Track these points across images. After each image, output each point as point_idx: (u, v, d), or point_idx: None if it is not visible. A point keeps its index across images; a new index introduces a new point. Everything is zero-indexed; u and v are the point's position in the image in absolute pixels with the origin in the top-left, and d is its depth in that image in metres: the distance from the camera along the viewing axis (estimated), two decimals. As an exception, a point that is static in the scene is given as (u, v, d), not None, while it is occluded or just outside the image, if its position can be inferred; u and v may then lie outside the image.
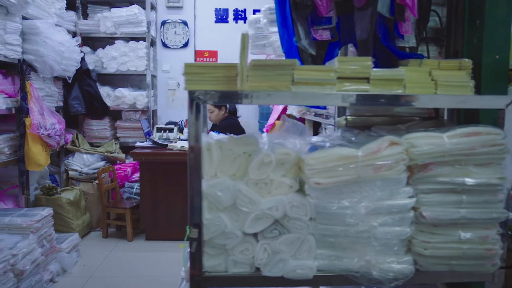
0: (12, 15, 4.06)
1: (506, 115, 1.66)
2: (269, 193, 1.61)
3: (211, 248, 1.64)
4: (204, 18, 6.77)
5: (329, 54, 2.20)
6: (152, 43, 6.40)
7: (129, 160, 5.94)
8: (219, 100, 1.54)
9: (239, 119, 5.67)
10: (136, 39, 6.09)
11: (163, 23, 6.75)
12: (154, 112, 6.61)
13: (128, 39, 6.13)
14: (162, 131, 5.70)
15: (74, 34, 5.83)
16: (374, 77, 1.63)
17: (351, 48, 2.29)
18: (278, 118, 3.99)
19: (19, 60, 4.27)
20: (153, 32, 6.34)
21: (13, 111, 4.22)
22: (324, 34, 2.11)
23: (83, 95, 5.69)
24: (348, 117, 2.20)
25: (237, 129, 5.20)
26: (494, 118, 1.93)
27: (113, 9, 6.02)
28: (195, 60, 6.79)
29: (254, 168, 1.59)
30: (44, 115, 4.46)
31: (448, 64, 1.80)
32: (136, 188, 5.46)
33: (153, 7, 6.38)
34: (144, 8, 6.08)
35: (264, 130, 4.42)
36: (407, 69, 1.69)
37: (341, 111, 2.26)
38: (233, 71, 1.57)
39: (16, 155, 4.28)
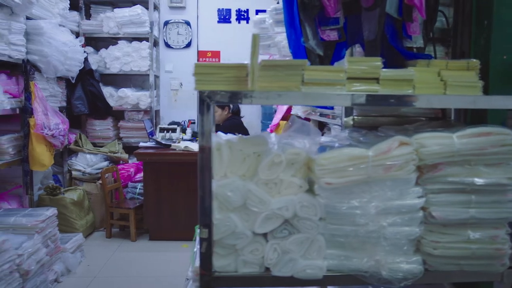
0: (16, 15, 4.07)
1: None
2: (279, 193, 1.62)
3: (221, 248, 1.64)
4: (206, 18, 6.77)
5: (336, 54, 2.20)
6: (155, 43, 6.41)
7: (132, 160, 5.94)
8: (230, 100, 1.54)
9: (242, 119, 5.69)
10: (139, 39, 6.09)
11: (166, 23, 6.75)
12: (157, 112, 6.61)
13: (131, 39, 6.14)
14: (165, 131, 5.70)
15: (77, 35, 5.84)
16: (383, 78, 1.63)
17: (358, 48, 2.29)
18: (283, 118, 4.00)
19: (23, 60, 4.27)
20: (155, 32, 6.35)
21: (17, 111, 4.22)
22: (331, 35, 2.11)
23: (86, 95, 5.70)
24: (355, 117, 2.20)
25: (241, 130, 5.21)
26: (502, 118, 1.94)
27: (116, 9, 6.03)
28: (198, 60, 6.79)
29: (264, 168, 1.59)
30: (48, 115, 4.47)
31: (456, 64, 1.80)
32: (139, 188, 5.47)
33: (155, 7, 6.38)
34: (147, 8, 6.09)
35: (268, 130, 4.42)
36: (416, 69, 1.69)
37: (348, 111, 2.26)
38: (243, 71, 1.57)
39: (20, 155, 4.29)
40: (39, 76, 4.63)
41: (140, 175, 5.65)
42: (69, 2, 5.35)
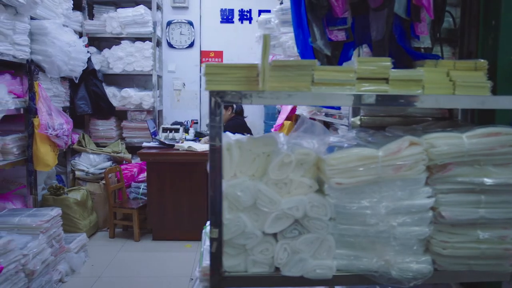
0: (21, 15, 4.08)
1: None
2: (288, 193, 1.62)
3: (231, 248, 1.64)
4: (209, 18, 6.78)
5: (344, 54, 2.20)
6: (158, 43, 6.41)
7: (135, 160, 5.95)
8: (240, 100, 1.54)
9: (245, 120, 5.69)
10: (142, 40, 6.10)
11: (169, 23, 6.76)
12: (160, 112, 6.62)
13: (133, 39, 6.15)
14: (168, 131, 5.70)
15: (80, 35, 5.84)
16: (393, 78, 1.63)
17: (365, 48, 2.30)
18: (287, 119, 4.00)
19: (27, 60, 4.28)
20: (158, 33, 6.35)
21: (22, 111, 4.23)
22: (339, 35, 2.11)
23: (89, 95, 5.70)
24: (363, 117, 2.21)
25: (244, 130, 5.22)
26: (510, 118, 1.95)
27: (119, 9, 6.03)
28: (201, 60, 6.80)
29: (274, 168, 1.59)
30: (52, 115, 4.47)
31: (463, 64, 1.80)
32: (142, 188, 5.47)
33: (158, 7, 6.38)
34: (150, 8, 6.09)
35: (272, 130, 4.42)
36: (425, 69, 1.69)
37: (355, 111, 2.26)
38: (253, 72, 1.57)
39: (24, 155, 4.30)
40: (43, 76, 4.64)
41: (143, 175, 5.65)
42: (72, 2, 5.36)
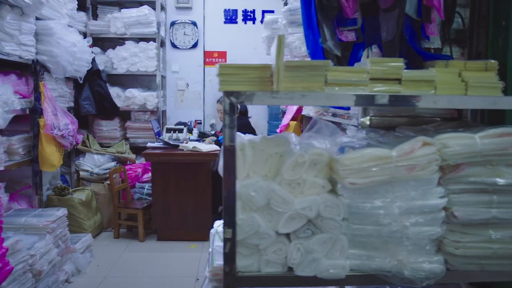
0: (27, 15, 4.08)
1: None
2: (301, 193, 1.63)
3: (244, 248, 1.65)
4: (213, 18, 6.79)
5: (354, 55, 2.21)
6: (162, 44, 6.42)
7: (139, 161, 5.95)
8: (254, 100, 1.55)
9: (250, 120, 5.70)
10: (146, 40, 6.10)
11: (173, 23, 6.76)
12: (163, 112, 6.62)
13: (137, 39, 6.15)
14: (172, 132, 5.71)
15: (84, 35, 5.85)
16: (405, 78, 1.64)
17: (374, 49, 2.30)
18: (293, 119, 4.00)
19: (32, 60, 4.28)
20: (162, 33, 6.36)
21: (27, 112, 4.23)
22: (349, 35, 2.12)
23: (93, 96, 5.70)
24: (372, 117, 2.21)
25: (249, 130, 5.22)
26: (520, 118, 1.95)
27: (123, 10, 6.04)
28: (204, 60, 6.80)
29: (288, 168, 1.60)
30: (58, 116, 4.48)
31: (474, 65, 1.81)
32: (147, 189, 5.48)
33: (162, 8, 6.39)
34: (154, 8, 6.09)
35: (278, 131, 4.43)
36: (437, 70, 1.70)
37: (364, 111, 2.26)
38: (267, 72, 1.58)
39: (30, 155, 4.30)
40: (48, 77, 4.64)
41: (147, 176, 5.66)
42: (76, 2, 5.37)
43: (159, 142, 5.36)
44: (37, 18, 4.34)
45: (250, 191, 1.60)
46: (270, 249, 1.64)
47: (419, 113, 2.22)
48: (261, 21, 6.71)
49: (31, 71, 4.29)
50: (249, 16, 6.77)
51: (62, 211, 3.90)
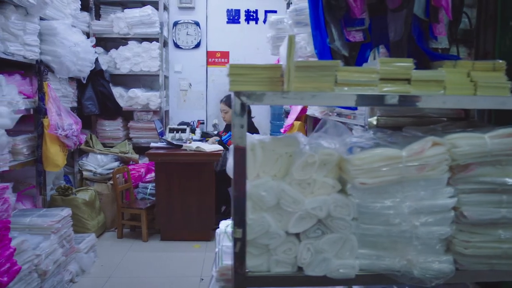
0: (31, 16, 4.08)
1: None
2: (312, 193, 1.63)
3: (254, 248, 1.65)
4: (216, 18, 6.79)
5: (361, 55, 2.21)
6: (164, 44, 6.42)
7: (142, 161, 5.95)
8: (265, 100, 1.55)
9: (253, 120, 5.70)
10: (149, 40, 6.10)
11: (175, 23, 6.77)
12: (166, 112, 6.63)
13: (140, 39, 6.15)
14: (175, 132, 5.71)
15: (87, 35, 5.85)
16: (415, 78, 1.64)
17: (382, 49, 2.30)
18: (297, 119, 4.01)
19: (37, 60, 4.29)
20: (165, 33, 6.36)
21: (31, 112, 4.23)
22: (357, 36, 2.12)
23: (96, 96, 5.71)
24: (379, 117, 2.21)
25: (252, 130, 5.22)
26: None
27: (126, 10, 6.04)
28: (207, 60, 6.80)
29: (298, 168, 1.60)
30: (62, 116, 4.48)
31: (482, 65, 1.80)
32: (150, 189, 5.48)
33: (165, 8, 6.39)
34: (157, 9, 6.10)
35: (282, 130, 4.43)
36: (446, 70, 1.70)
37: (372, 111, 2.27)
38: (277, 72, 1.58)
39: (34, 155, 4.30)
40: (51, 77, 4.64)
41: (150, 176, 5.66)
42: (80, 2, 5.37)
43: (163, 142, 5.37)
44: (41, 18, 4.34)
45: (260, 191, 1.60)
46: (280, 249, 1.65)
47: (425, 113, 2.23)
48: (264, 21, 6.72)
49: (35, 71, 4.29)
50: (251, 16, 6.77)
51: (66, 211, 3.91)
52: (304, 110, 3.88)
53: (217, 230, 2.73)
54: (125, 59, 6.07)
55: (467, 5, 2.31)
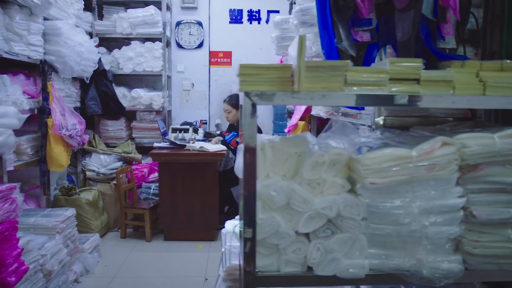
0: (35, 15, 4.09)
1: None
2: (321, 193, 1.63)
3: (264, 248, 1.65)
4: (218, 18, 6.79)
5: (368, 55, 2.22)
6: (167, 44, 6.42)
7: (145, 161, 5.96)
8: (275, 100, 1.56)
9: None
10: (152, 40, 6.10)
11: (178, 23, 6.77)
12: (169, 112, 6.63)
13: (143, 39, 6.15)
14: (177, 132, 5.71)
15: (90, 35, 5.85)
16: (424, 78, 1.64)
17: (388, 49, 2.30)
18: (301, 119, 4.01)
19: (40, 60, 4.29)
20: (167, 33, 6.36)
21: (35, 112, 4.24)
22: (364, 36, 2.13)
23: (99, 96, 5.70)
24: (386, 117, 2.21)
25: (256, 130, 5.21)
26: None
27: (129, 10, 6.04)
28: (209, 60, 6.81)
29: (308, 168, 1.60)
30: (66, 116, 4.49)
31: (490, 65, 1.81)
32: (153, 189, 5.48)
33: (168, 8, 6.40)
34: (159, 8, 6.10)
35: (286, 131, 4.43)
36: (455, 70, 1.70)
37: (379, 111, 2.27)
38: (287, 72, 1.58)
39: (38, 155, 4.31)
40: (55, 77, 4.65)
41: (153, 176, 5.66)
42: (83, 2, 5.38)
43: (166, 142, 5.37)
44: (44, 18, 4.34)
45: (270, 191, 1.61)
46: (290, 249, 1.65)
47: (431, 113, 2.23)
48: (266, 21, 6.73)
49: (39, 71, 4.30)
50: (254, 16, 6.78)
51: (70, 211, 3.91)
52: (308, 110, 3.88)
53: (223, 230, 2.74)
54: (128, 59, 6.07)
55: (474, 5, 2.31)
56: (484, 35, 2.28)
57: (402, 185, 1.61)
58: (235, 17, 6.79)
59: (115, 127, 6.09)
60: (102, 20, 6.20)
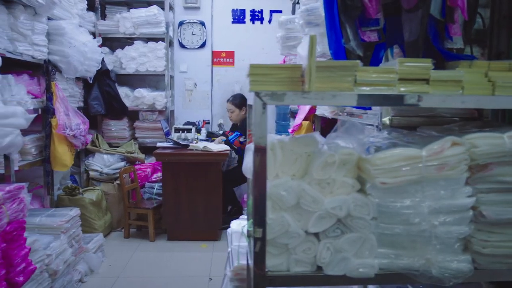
0: (39, 15, 4.09)
1: None
2: (331, 192, 1.64)
3: (273, 248, 1.66)
4: (221, 18, 6.78)
5: (375, 55, 2.22)
6: (170, 44, 6.41)
7: (148, 161, 5.96)
8: (285, 100, 1.56)
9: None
10: (155, 40, 6.10)
11: (181, 23, 6.77)
12: (172, 112, 6.63)
13: (146, 39, 6.15)
14: (180, 132, 5.70)
15: (93, 35, 5.85)
16: (434, 78, 1.64)
17: (396, 49, 2.31)
18: (305, 119, 4.01)
19: (44, 60, 4.30)
20: (170, 33, 6.36)
21: (39, 112, 4.24)
22: (371, 36, 2.13)
23: (102, 96, 5.71)
24: (393, 117, 2.22)
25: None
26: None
27: (132, 10, 6.04)
28: (212, 60, 6.81)
29: (318, 168, 1.61)
30: (69, 116, 4.49)
31: (498, 65, 1.81)
32: (156, 189, 5.48)
33: (170, 8, 6.39)
34: (162, 8, 6.10)
35: (290, 131, 4.43)
36: (464, 70, 1.71)
37: (386, 111, 2.27)
38: (297, 72, 1.59)
39: (42, 155, 4.31)
40: (59, 77, 4.65)
41: (156, 175, 5.66)
42: (86, 2, 5.38)
43: (169, 142, 5.37)
44: (48, 18, 4.35)
45: (280, 190, 1.61)
46: (300, 249, 1.65)
47: (438, 113, 2.23)
48: (269, 21, 6.73)
49: (43, 71, 4.30)
50: (257, 16, 6.77)
51: (75, 211, 3.91)
52: (312, 110, 3.88)
53: (228, 230, 2.75)
54: (130, 59, 6.07)
55: (481, 5, 2.32)
56: (490, 35, 2.29)
57: (411, 185, 1.62)
58: (238, 17, 6.79)
59: (118, 127, 6.09)
60: (105, 20, 6.20)
